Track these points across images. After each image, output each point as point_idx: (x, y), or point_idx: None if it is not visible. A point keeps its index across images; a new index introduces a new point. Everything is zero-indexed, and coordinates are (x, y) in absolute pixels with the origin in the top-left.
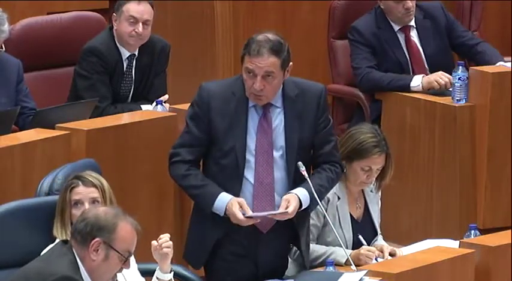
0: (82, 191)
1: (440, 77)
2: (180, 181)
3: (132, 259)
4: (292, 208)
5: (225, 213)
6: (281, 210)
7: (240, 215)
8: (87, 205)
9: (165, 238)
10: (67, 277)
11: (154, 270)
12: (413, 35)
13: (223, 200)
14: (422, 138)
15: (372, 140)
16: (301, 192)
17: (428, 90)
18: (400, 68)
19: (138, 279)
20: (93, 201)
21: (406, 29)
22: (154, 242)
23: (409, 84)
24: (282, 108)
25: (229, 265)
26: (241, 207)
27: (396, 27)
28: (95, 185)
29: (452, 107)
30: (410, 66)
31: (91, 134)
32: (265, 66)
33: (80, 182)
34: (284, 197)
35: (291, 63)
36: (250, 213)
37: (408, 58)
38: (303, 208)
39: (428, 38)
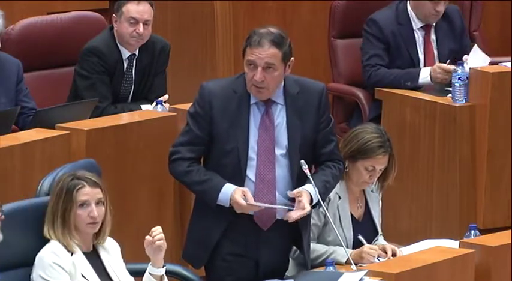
0: (89, 192)
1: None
2: (182, 178)
3: (120, 259)
4: (307, 205)
5: (230, 204)
6: (287, 206)
7: (242, 201)
8: (93, 206)
9: (157, 230)
10: None
11: (145, 270)
12: (432, 35)
13: (227, 191)
14: (422, 138)
15: (377, 140)
16: (310, 189)
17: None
18: (412, 67)
19: (128, 279)
20: (98, 202)
21: (427, 28)
22: (148, 237)
23: (418, 76)
24: (284, 105)
25: (230, 264)
26: (244, 196)
27: (416, 25)
28: (99, 186)
29: (452, 107)
30: (423, 66)
31: (91, 134)
32: (266, 57)
33: (85, 183)
34: (295, 191)
35: (292, 58)
36: (252, 202)
37: (423, 58)
38: (312, 204)
39: (444, 39)
